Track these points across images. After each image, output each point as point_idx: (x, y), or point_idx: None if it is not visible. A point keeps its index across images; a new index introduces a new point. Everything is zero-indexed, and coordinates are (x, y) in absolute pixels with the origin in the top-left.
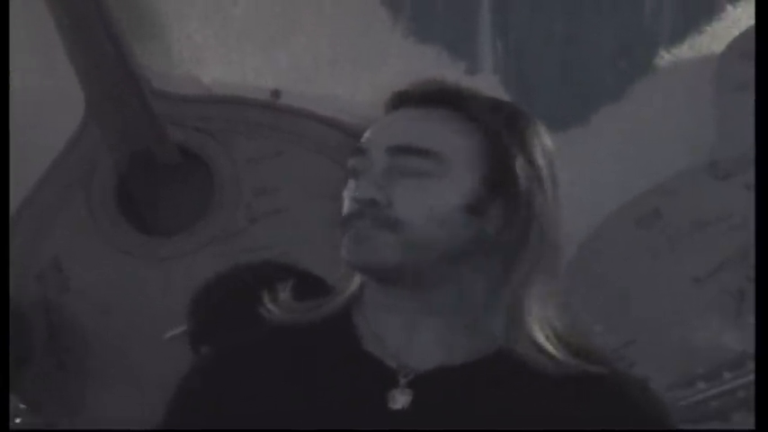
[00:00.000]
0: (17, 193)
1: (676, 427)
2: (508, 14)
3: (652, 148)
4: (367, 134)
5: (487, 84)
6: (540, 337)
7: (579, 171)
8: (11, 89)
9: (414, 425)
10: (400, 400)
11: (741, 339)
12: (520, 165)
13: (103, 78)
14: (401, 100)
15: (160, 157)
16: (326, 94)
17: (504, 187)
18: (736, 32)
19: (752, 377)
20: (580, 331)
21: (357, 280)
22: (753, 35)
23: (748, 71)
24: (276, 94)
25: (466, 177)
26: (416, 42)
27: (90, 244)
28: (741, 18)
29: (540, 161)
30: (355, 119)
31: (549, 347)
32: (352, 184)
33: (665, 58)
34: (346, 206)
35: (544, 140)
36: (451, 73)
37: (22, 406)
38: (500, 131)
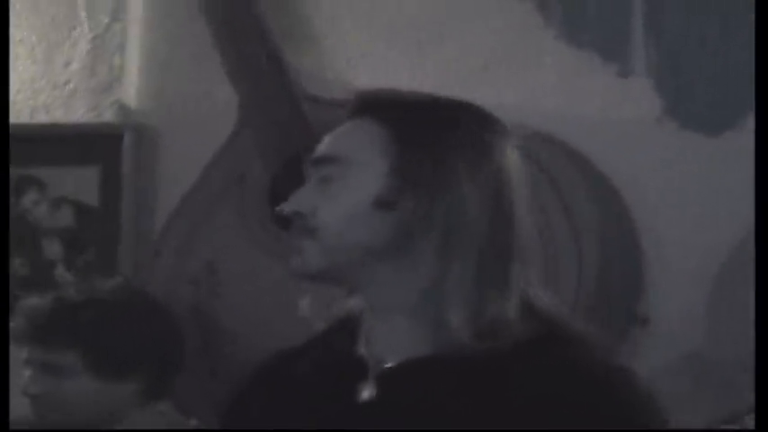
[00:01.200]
0: (171, 197)
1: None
2: (661, 16)
3: None
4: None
5: (640, 86)
6: (488, 324)
7: (734, 175)
8: (166, 93)
9: (379, 416)
10: (367, 392)
11: None
12: (424, 157)
13: (256, 82)
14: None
15: None
16: (478, 98)
17: (411, 179)
18: None
19: None
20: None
21: None
22: None
23: None
24: None
25: (369, 175)
26: (568, 45)
27: (242, 249)
28: None
29: (458, 155)
30: (507, 123)
31: (498, 334)
32: None
33: None
34: None
35: (485, 137)
36: (603, 75)
37: (193, 421)
38: (407, 127)
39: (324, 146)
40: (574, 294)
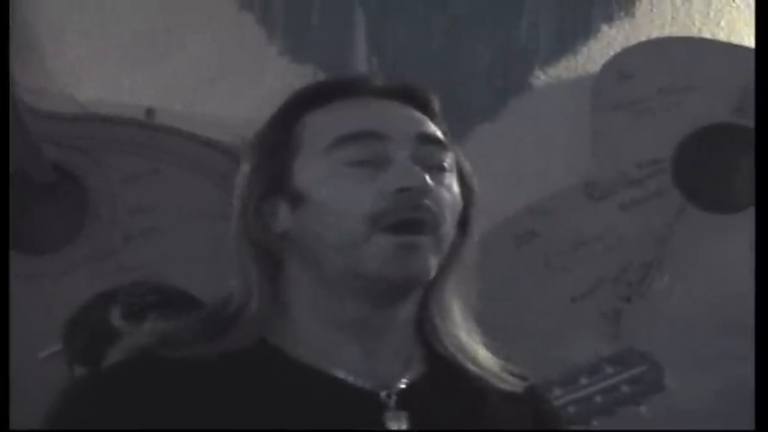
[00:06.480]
0: None
1: None
2: (384, 32)
3: (528, 168)
4: (372, 120)
5: None
6: (470, 347)
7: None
8: None
9: None
10: (398, 420)
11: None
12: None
13: None
14: (350, 89)
15: (34, 175)
16: (203, 113)
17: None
18: (611, 53)
19: (609, 382)
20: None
21: (260, 308)
22: (627, 55)
23: (623, 91)
24: (150, 112)
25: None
26: (291, 61)
27: None
28: (616, 38)
29: None
30: (231, 137)
31: (483, 359)
32: (367, 174)
33: (540, 77)
34: (382, 201)
35: None
36: None
37: None
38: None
39: (427, 126)
40: None
